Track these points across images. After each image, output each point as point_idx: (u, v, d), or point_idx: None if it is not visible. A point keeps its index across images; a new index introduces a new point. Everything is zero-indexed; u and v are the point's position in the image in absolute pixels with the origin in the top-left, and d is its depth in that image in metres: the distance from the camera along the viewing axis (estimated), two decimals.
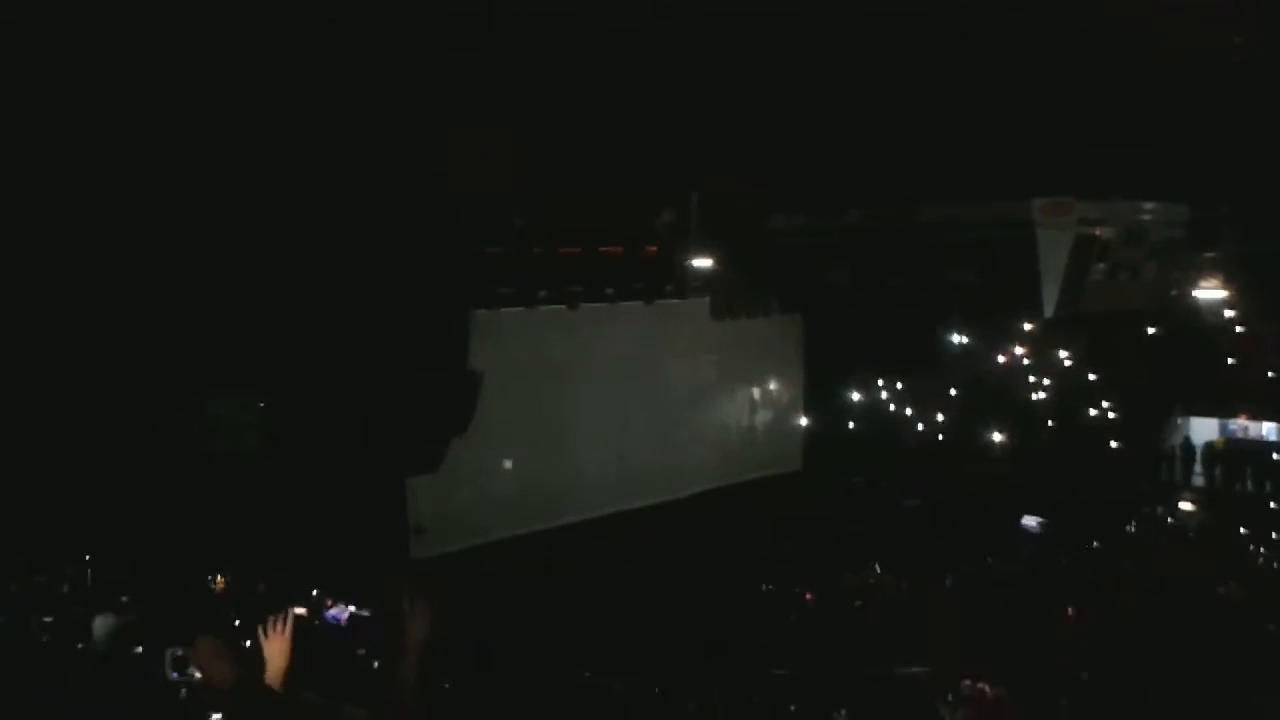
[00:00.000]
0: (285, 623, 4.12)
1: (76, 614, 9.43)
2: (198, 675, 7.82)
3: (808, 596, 14.31)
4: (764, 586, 14.56)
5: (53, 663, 8.46)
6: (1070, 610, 13.25)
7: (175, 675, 8.17)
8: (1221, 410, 22.25)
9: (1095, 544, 16.38)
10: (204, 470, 13.68)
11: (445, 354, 15.29)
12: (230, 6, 7.23)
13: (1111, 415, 21.78)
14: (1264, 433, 22.36)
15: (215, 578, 11.67)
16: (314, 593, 12.23)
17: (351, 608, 12.09)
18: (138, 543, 12.00)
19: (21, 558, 10.40)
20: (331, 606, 12.01)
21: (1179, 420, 22.69)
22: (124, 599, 9.96)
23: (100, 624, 9.28)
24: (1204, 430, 22.60)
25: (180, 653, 8.23)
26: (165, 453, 13.59)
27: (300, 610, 11.75)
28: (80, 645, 9.01)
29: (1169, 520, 18.61)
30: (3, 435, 11.75)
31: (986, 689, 10.67)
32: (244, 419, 14.91)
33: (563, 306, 17.24)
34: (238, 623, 10.83)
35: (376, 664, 10.86)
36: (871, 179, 14.71)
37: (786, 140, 12.05)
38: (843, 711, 10.49)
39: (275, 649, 4.10)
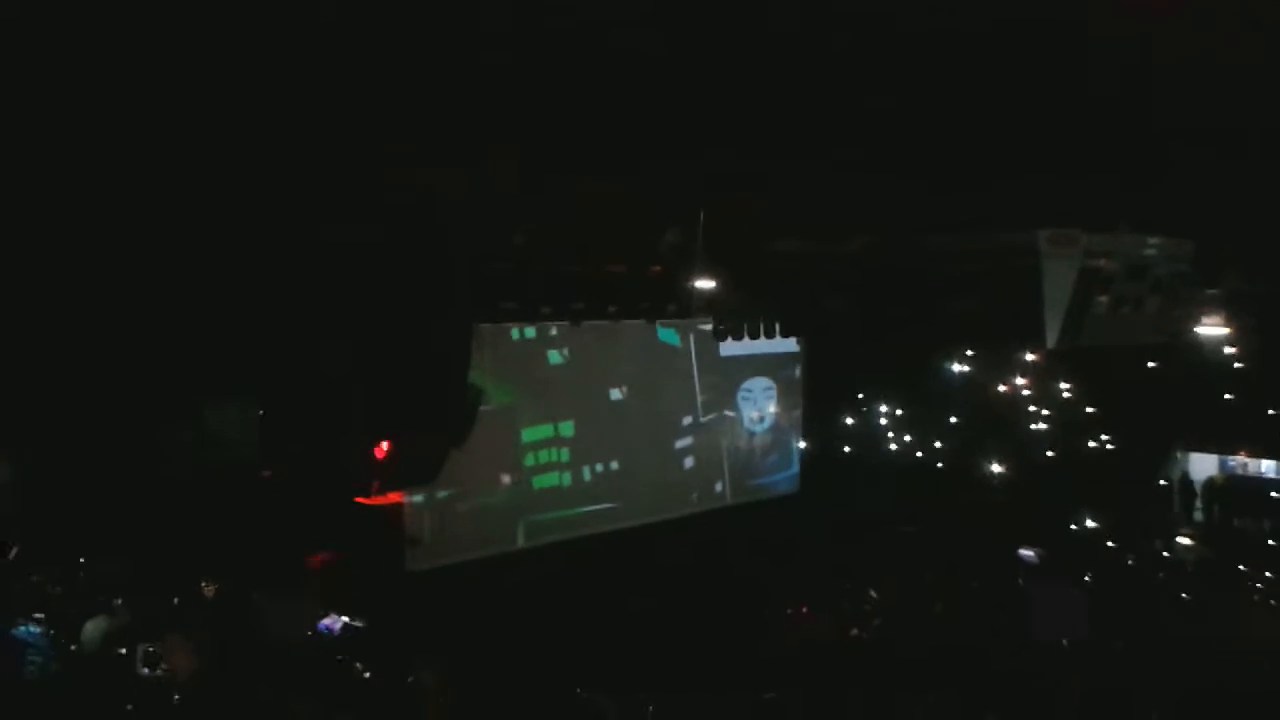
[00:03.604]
0: None
1: (70, 615, 9.45)
2: (163, 669, 7.90)
3: (804, 621, 14.27)
4: (761, 610, 14.50)
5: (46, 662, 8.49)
6: (1065, 640, 13.22)
7: (145, 670, 8.23)
8: (1221, 446, 22.25)
9: (1091, 577, 16.33)
10: (200, 477, 13.67)
11: (445, 367, 15.28)
12: (230, 17, 7.22)
13: (1111, 448, 21.78)
14: (1264, 470, 22.36)
15: (206, 585, 11.65)
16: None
17: (344, 618, 12.09)
18: (132, 547, 11.98)
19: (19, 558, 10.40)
20: (325, 616, 12.01)
21: (1178, 455, 22.69)
22: (118, 602, 9.97)
23: (92, 626, 9.31)
24: (1203, 466, 22.60)
25: (152, 649, 8.29)
26: (162, 458, 13.58)
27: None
28: (72, 646, 9.04)
29: (1167, 555, 18.56)
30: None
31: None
32: (241, 428, 14.91)
33: (565, 323, 17.18)
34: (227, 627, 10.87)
35: (367, 674, 10.85)
36: (877, 206, 14.70)
37: (793, 165, 12.04)
38: None
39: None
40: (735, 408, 21.73)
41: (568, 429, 18.59)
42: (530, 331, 17.73)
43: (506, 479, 17.73)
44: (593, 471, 19.10)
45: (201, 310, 12.70)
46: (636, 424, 19.76)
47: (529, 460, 18.11)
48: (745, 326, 19.20)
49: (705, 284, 16.05)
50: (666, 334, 20.11)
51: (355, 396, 14.47)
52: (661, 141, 10.68)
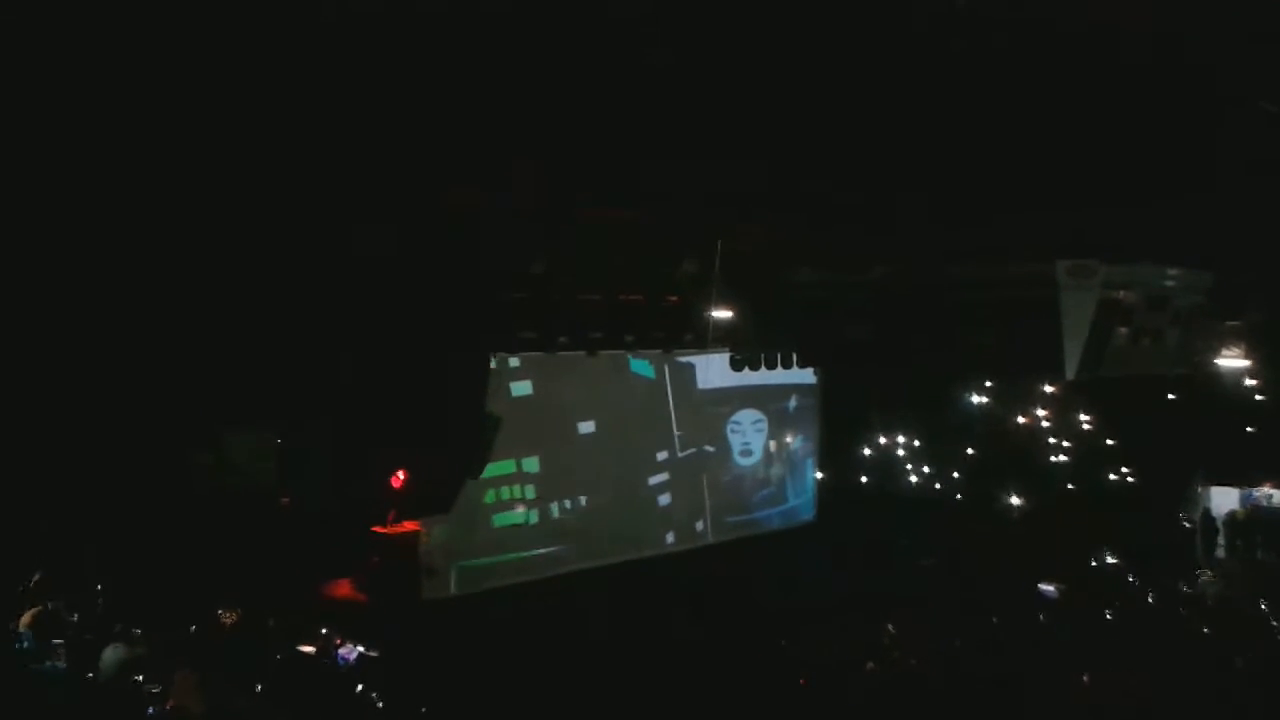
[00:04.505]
0: None
1: (87, 643, 9.44)
2: (169, 706, 7.88)
3: (818, 653, 14.16)
4: (777, 643, 14.41)
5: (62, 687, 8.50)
6: (1085, 677, 13.07)
7: (150, 710, 8.22)
8: (1243, 479, 22.04)
9: (1112, 611, 16.18)
10: (218, 502, 13.68)
11: (462, 397, 15.31)
12: (247, 43, 7.30)
13: (1131, 481, 21.62)
14: None
15: (225, 613, 11.65)
16: (324, 631, 12.20)
17: (360, 648, 12.07)
18: (150, 574, 12.00)
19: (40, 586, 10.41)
20: (341, 645, 11.99)
21: (1199, 488, 22.48)
22: (137, 631, 9.97)
23: (109, 654, 9.30)
24: (1225, 499, 22.38)
25: (157, 689, 8.28)
26: (182, 485, 13.62)
27: (309, 648, 11.78)
28: (90, 674, 9.03)
29: (1188, 590, 18.37)
30: (18, 462, 11.79)
31: None
32: (260, 455, 14.93)
33: (581, 353, 17.07)
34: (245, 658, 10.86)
35: (381, 704, 10.83)
36: (897, 236, 14.73)
37: (816, 195, 12.08)
38: None
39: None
40: (721, 441, 21.20)
41: (531, 464, 17.92)
42: (490, 363, 16.83)
43: (458, 516, 16.80)
44: (561, 509, 18.40)
45: (223, 338, 12.75)
46: (608, 459, 19.05)
47: (488, 497, 17.38)
48: (763, 357, 19.17)
49: (722, 314, 16.04)
50: (640, 366, 19.52)
51: (372, 426, 14.49)
52: (682, 166, 10.74)
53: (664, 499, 20.12)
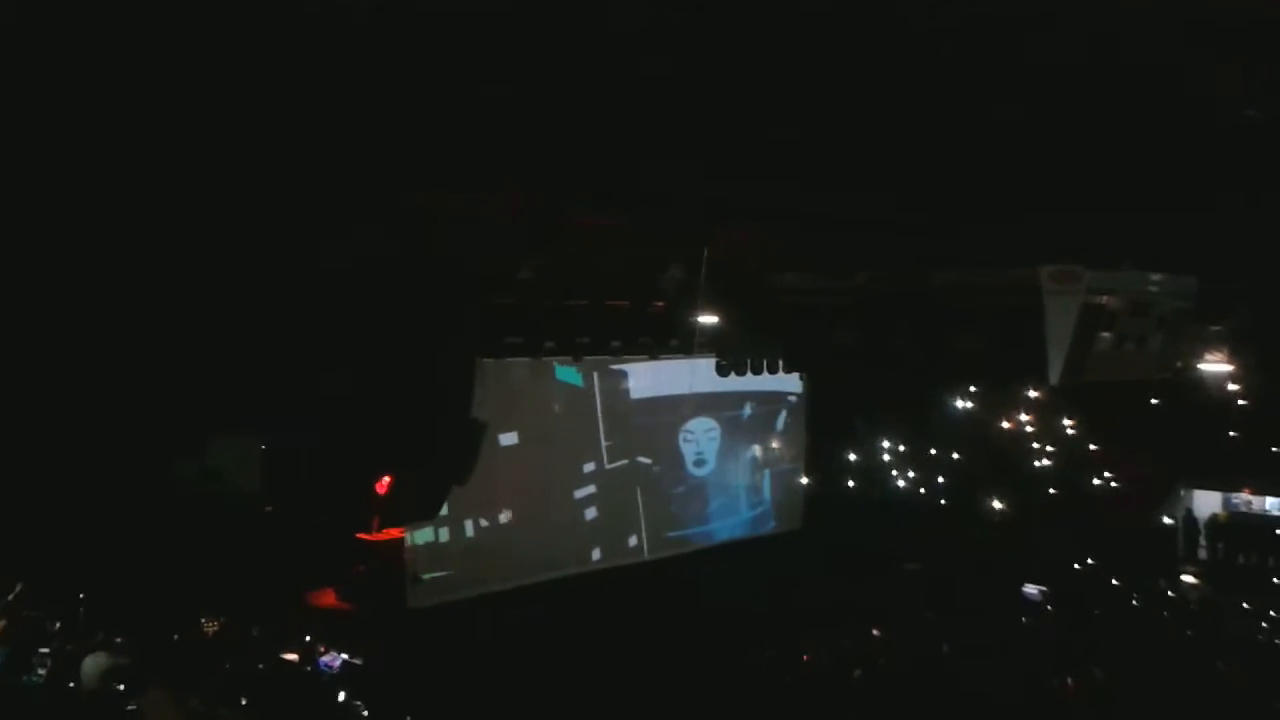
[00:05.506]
0: None
1: (68, 652, 9.38)
2: None
3: (804, 659, 14.19)
4: (763, 649, 14.42)
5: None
6: (1070, 680, 13.13)
7: None
8: (1225, 483, 22.20)
9: (1095, 614, 16.27)
10: (202, 512, 13.62)
11: (449, 402, 15.26)
12: (236, 43, 7.25)
13: (1114, 485, 21.73)
14: (1268, 507, 22.29)
15: (208, 621, 11.61)
16: (307, 639, 12.17)
17: (344, 655, 12.04)
18: (132, 582, 11.93)
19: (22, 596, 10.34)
20: (325, 653, 11.96)
21: (1182, 492, 22.62)
22: (118, 640, 9.90)
23: (90, 663, 9.23)
24: (1207, 503, 22.54)
25: (133, 707, 8.24)
26: (164, 493, 13.55)
27: (293, 656, 11.75)
28: (70, 684, 8.97)
29: (1170, 593, 18.49)
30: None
31: None
32: (244, 463, 14.86)
33: (569, 358, 16.87)
34: (228, 666, 10.81)
35: (366, 712, 10.80)
36: (881, 242, 14.74)
37: (799, 199, 12.07)
38: None
39: None
40: (664, 452, 20.36)
41: None
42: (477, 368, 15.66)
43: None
44: (475, 525, 17.38)
45: (207, 344, 12.69)
46: (528, 472, 18.05)
47: None
48: (748, 361, 19.11)
49: (708, 319, 16.03)
50: (566, 373, 18.59)
51: (357, 431, 14.43)
52: (665, 172, 10.72)
53: (590, 513, 19.17)
